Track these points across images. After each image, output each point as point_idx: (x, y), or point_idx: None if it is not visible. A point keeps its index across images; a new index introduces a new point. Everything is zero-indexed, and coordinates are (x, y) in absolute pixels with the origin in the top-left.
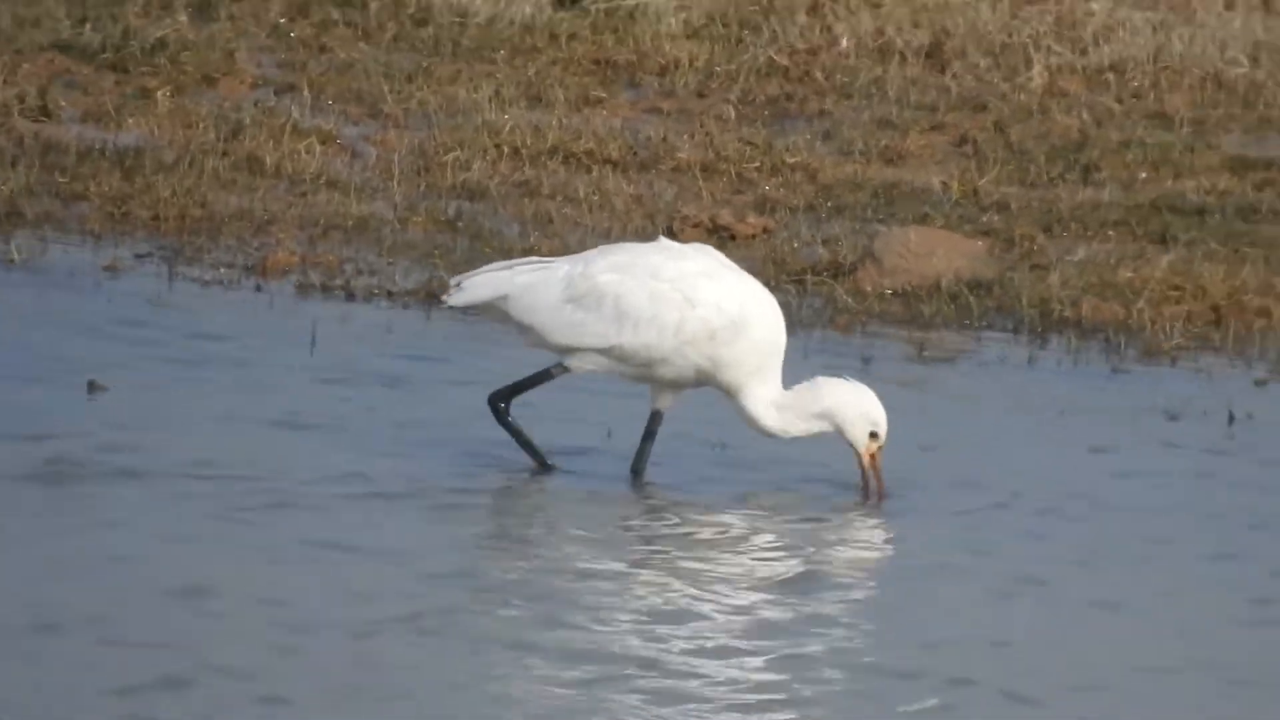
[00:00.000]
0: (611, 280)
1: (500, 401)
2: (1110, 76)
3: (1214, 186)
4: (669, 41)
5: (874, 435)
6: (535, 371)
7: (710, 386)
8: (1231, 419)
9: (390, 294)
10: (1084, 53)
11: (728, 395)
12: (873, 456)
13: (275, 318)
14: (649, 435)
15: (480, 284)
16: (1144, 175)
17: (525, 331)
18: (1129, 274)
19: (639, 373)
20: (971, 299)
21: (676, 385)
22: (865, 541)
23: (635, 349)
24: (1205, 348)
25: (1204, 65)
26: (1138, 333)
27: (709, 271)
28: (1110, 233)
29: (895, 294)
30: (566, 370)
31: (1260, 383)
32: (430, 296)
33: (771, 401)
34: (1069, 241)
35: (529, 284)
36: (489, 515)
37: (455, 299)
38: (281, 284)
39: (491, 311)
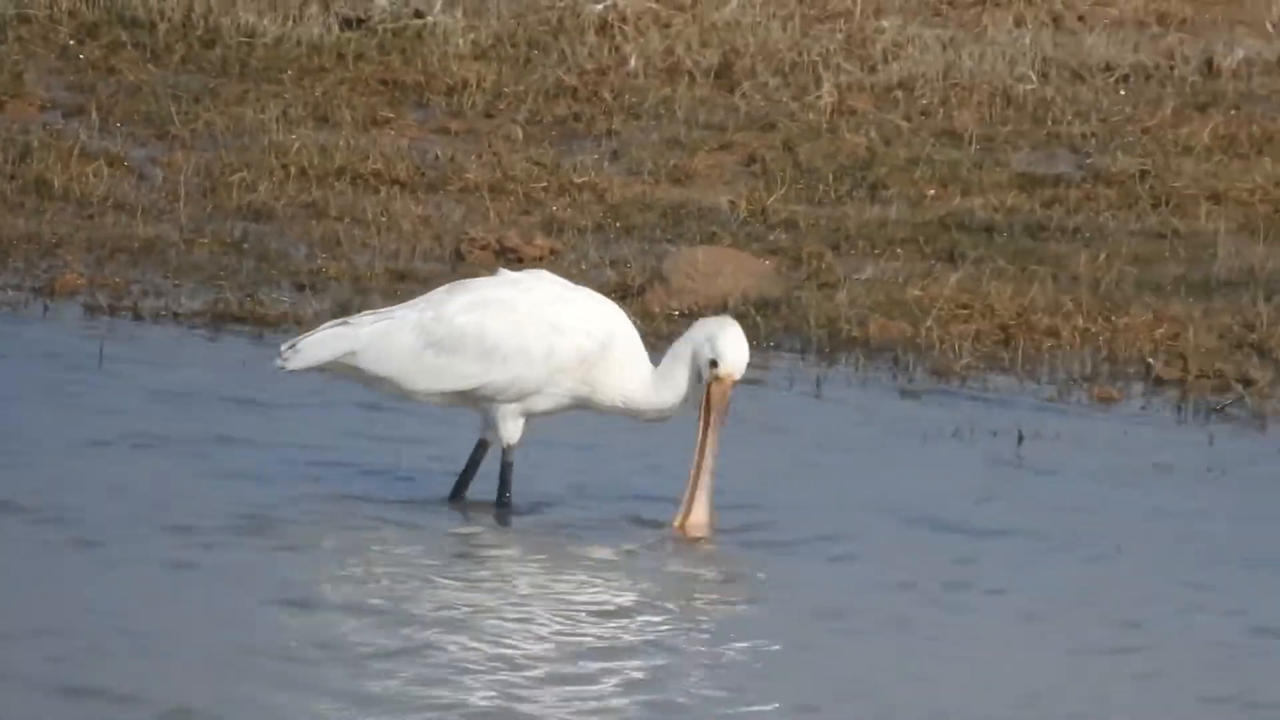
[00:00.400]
0: (472, 319)
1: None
2: (899, 94)
3: (1002, 204)
4: (457, 62)
5: (713, 364)
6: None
7: (594, 410)
8: (1021, 438)
9: (177, 315)
10: (873, 70)
11: (610, 411)
12: (709, 389)
13: (62, 339)
14: (506, 456)
15: (317, 344)
16: (932, 193)
17: (379, 382)
18: (917, 292)
19: (522, 409)
20: (759, 319)
21: (550, 413)
22: (668, 570)
23: (505, 384)
24: (994, 367)
25: (993, 82)
26: (926, 352)
27: (561, 297)
28: (898, 251)
29: (683, 315)
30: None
31: (1049, 400)
32: (217, 318)
33: (648, 383)
34: (857, 260)
35: (376, 335)
36: (306, 537)
37: (293, 363)
38: (69, 305)
39: (336, 369)
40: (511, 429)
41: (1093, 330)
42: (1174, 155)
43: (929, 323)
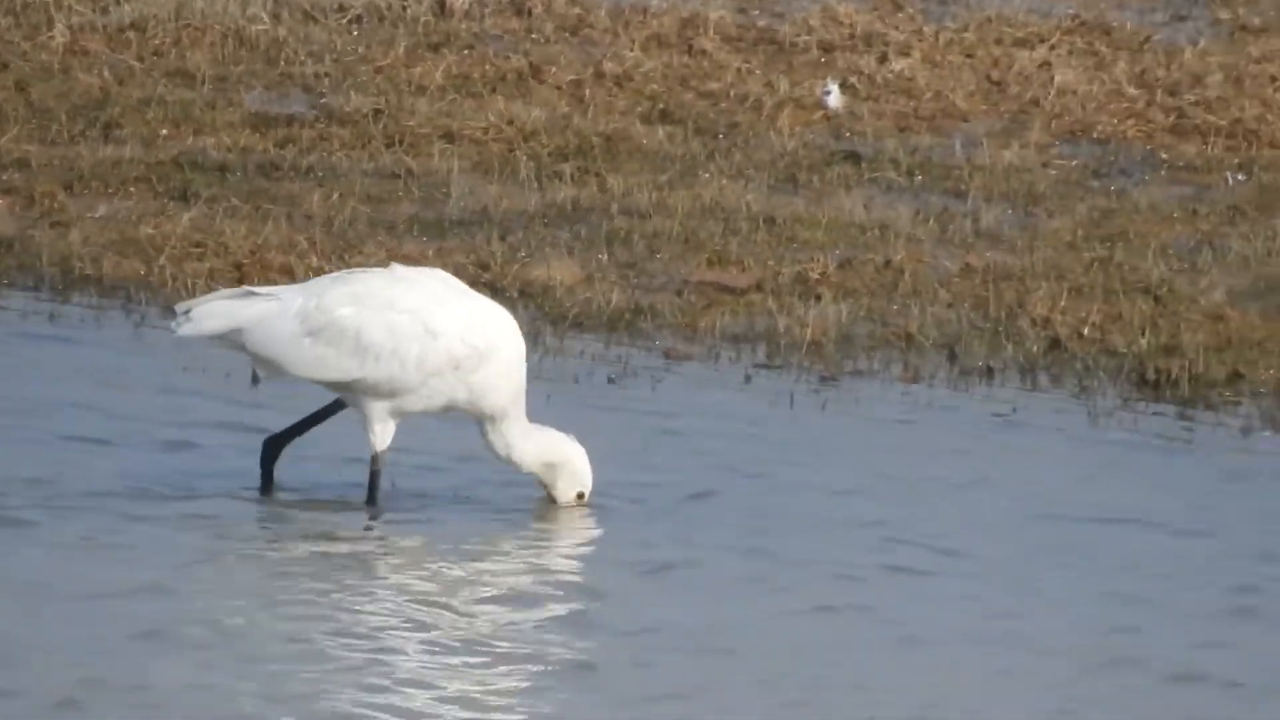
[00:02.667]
0: (349, 314)
1: (273, 446)
2: (132, 35)
3: (235, 143)
4: None
5: (581, 496)
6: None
7: (459, 412)
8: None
9: None
10: (105, 11)
11: (480, 420)
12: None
13: None
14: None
15: (209, 314)
16: (165, 132)
17: (262, 363)
18: (150, 231)
19: (394, 408)
20: None
21: (424, 413)
22: None
23: (378, 381)
24: None
25: (225, 22)
26: (159, 289)
27: (445, 298)
28: (132, 190)
29: None
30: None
31: None
32: None
33: (524, 429)
34: (90, 199)
35: (261, 315)
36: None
37: (185, 329)
38: None
39: (222, 342)
40: (379, 433)
41: (327, 269)
42: (407, 95)
43: (162, 261)
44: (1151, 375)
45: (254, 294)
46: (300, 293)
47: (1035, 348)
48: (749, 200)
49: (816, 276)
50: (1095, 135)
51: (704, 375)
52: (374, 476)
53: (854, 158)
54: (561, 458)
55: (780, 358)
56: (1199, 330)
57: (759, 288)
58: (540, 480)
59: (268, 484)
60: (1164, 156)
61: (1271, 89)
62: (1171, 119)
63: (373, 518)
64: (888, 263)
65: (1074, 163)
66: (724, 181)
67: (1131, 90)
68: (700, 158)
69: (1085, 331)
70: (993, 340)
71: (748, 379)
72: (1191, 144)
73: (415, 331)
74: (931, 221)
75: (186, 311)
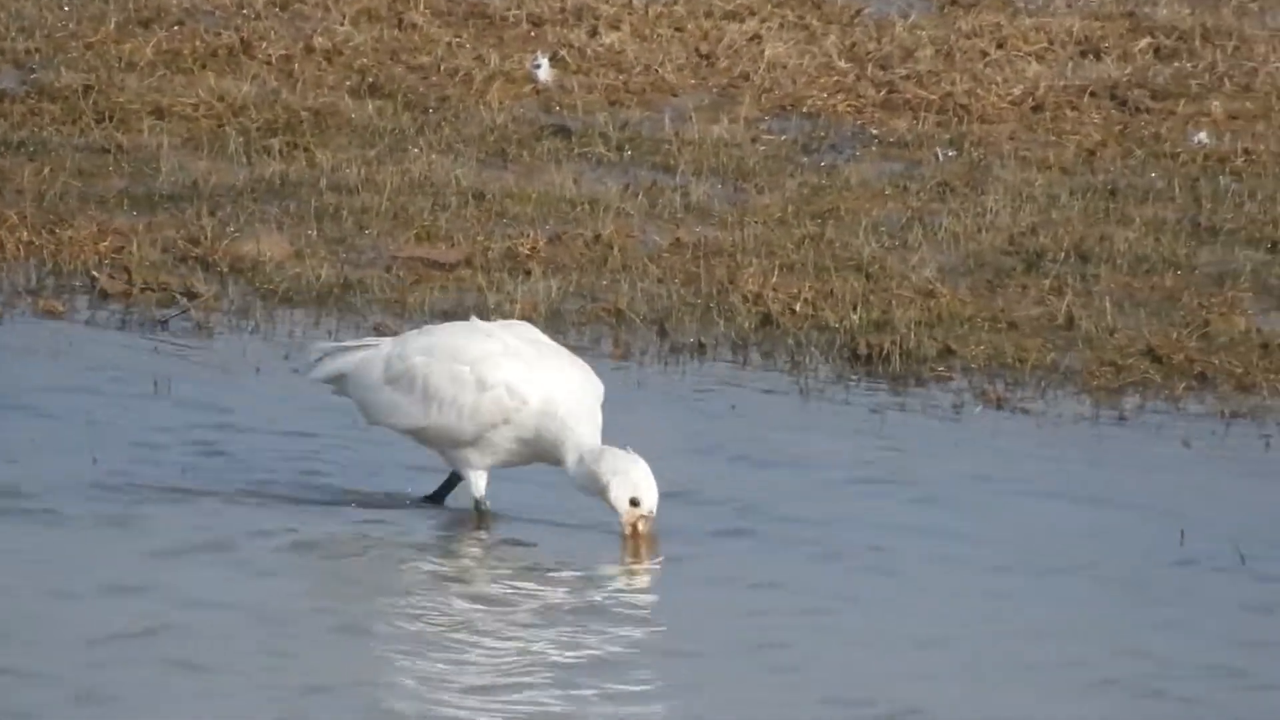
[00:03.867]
0: (421, 362)
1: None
2: None
3: None
4: None
5: (635, 502)
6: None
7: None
8: None
9: None
10: None
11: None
12: (633, 524)
13: None
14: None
15: (329, 360)
16: None
17: (360, 409)
18: None
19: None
20: None
21: (507, 465)
22: None
23: (440, 430)
24: None
25: None
26: None
27: (512, 351)
28: None
29: None
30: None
31: None
32: None
33: (582, 448)
34: None
35: (359, 363)
36: None
37: (314, 372)
38: None
39: (337, 386)
40: (474, 481)
41: (37, 243)
42: (117, 71)
43: None
44: (863, 351)
45: (364, 341)
46: (391, 342)
47: (747, 324)
48: (458, 175)
49: (526, 252)
50: (805, 110)
51: None
52: (479, 517)
53: (563, 132)
54: (606, 468)
55: None
56: (910, 306)
57: (468, 263)
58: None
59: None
60: (874, 132)
61: (982, 64)
62: (882, 94)
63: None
64: (597, 238)
65: (784, 138)
66: (433, 156)
67: (842, 64)
68: (409, 132)
69: (797, 308)
70: (704, 316)
71: None
72: (902, 119)
73: (470, 382)
74: (641, 196)
75: (320, 356)
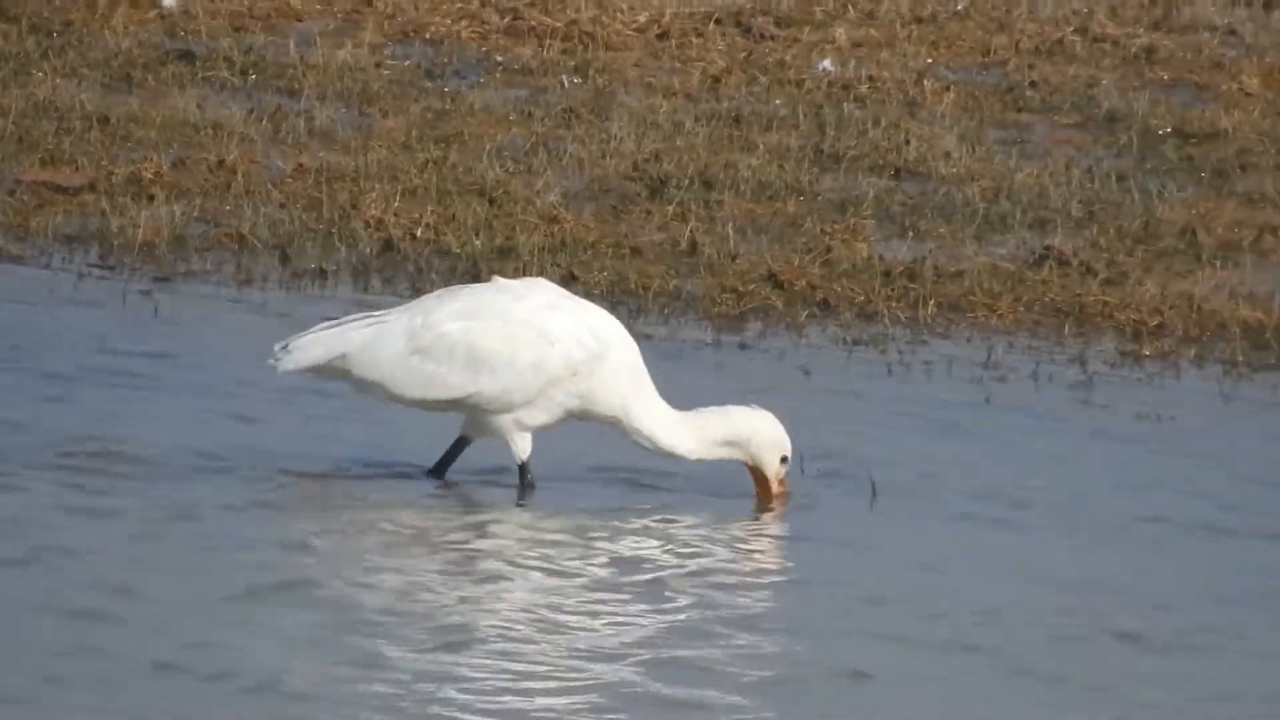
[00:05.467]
0: (460, 328)
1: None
2: None
3: None
4: None
5: (784, 460)
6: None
7: (592, 421)
8: None
9: None
10: None
11: (617, 427)
12: (780, 481)
13: None
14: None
15: (310, 344)
16: None
17: (370, 387)
18: None
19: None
20: None
21: (548, 426)
22: None
23: (495, 394)
24: None
25: None
26: None
27: (556, 305)
28: None
29: None
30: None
31: None
32: None
33: (667, 417)
34: None
35: (367, 340)
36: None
37: (285, 363)
38: None
39: (327, 371)
40: (521, 445)
41: None
42: None
43: None
44: (485, 276)
45: (341, 323)
46: (403, 313)
47: (369, 249)
48: (83, 99)
49: (149, 176)
50: (429, 36)
51: (35, 278)
52: (524, 487)
53: (188, 57)
54: (748, 431)
55: (113, 258)
56: (534, 232)
57: (92, 188)
58: (740, 461)
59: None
60: (499, 59)
61: None
62: (506, 20)
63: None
64: (221, 163)
65: (408, 63)
66: (58, 80)
67: None
68: (34, 56)
69: (419, 233)
70: (326, 241)
71: (80, 279)
72: (527, 46)
73: (529, 339)
74: (265, 121)
75: (285, 346)
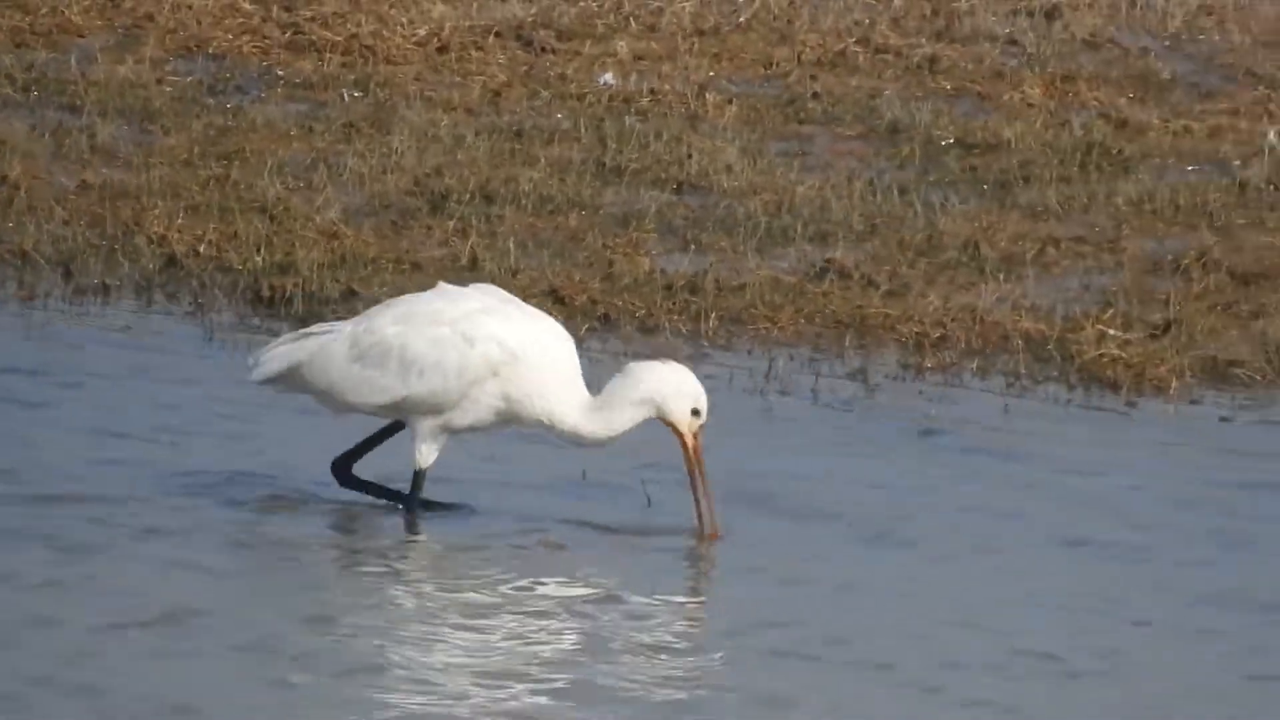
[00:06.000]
0: (394, 332)
1: (341, 467)
2: None
3: None
4: None
5: (695, 412)
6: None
7: (519, 426)
8: None
9: None
10: None
11: (539, 428)
12: (695, 435)
13: None
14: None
15: (274, 357)
16: None
17: (321, 395)
18: None
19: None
20: None
21: (477, 429)
22: None
23: (422, 398)
24: None
25: None
26: None
27: (489, 308)
28: None
29: None
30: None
31: None
32: None
33: (585, 407)
34: None
35: (317, 349)
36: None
37: (255, 374)
38: None
39: (287, 382)
40: (425, 451)
41: None
42: None
43: None
44: (267, 292)
45: (308, 332)
46: (353, 322)
47: (151, 265)
48: None
49: None
50: (211, 51)
51: None
52: (414, 491)
53: None
54: (653, 385)
55: None
56: (314, 248)
57: None
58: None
59: (371, 492)
60: (281, 73)
61: (387, 4)
62: (287, 35)
63: (410, 528)
64: (4, 179)
65: (190, 79)
66: None
67: (247, 6)
68: None
69: (201, 249)
70: (109, 258)
71: None
72: (308, 60)
73: (454, 342)
74: (48, 137)
75: (256, 360)
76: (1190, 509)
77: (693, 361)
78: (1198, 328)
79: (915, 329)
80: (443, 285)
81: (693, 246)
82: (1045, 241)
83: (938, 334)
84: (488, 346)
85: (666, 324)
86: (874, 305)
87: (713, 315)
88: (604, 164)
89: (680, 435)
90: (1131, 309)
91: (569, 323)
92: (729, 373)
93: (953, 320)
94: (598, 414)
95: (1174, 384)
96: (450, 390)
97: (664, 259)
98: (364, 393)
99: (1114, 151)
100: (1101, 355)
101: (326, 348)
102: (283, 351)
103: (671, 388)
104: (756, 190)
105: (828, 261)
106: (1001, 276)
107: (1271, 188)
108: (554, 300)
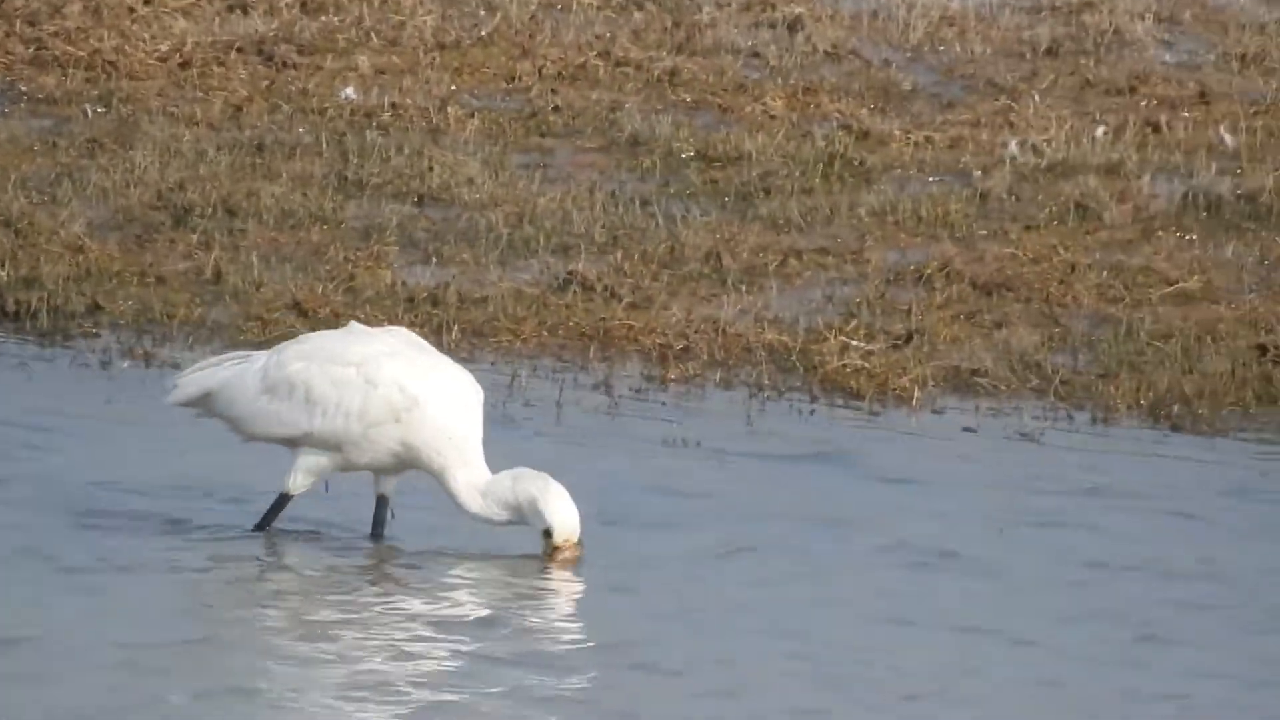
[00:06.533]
0: (300, 369)
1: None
2: None
3: None
4: None
5: (546, 534)
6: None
7: (417, 469)
8: None
9: None
10: None
11: (435, 478)
12: (549, 556)
13: None
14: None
15: (190, 382)
16: None
17: (232, 424)
18: None
19: (341, 461)
20: None
21: (379, 470)
22: None
23: (325, 436)
24: None
25: None
26: None
27: (395, 351)
28: None
29: None
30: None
31: None
32: None
33: (475, 485)
34: None
35: (229, 378)
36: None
37: (172, 396)
38: None
39: (204, 406)
40: (300, 479)
41: None
42: None
43: None
44: (11, 307)
45: (224, 359)
46: (265, 354)
47: None
48: None
49: None
50: None
51: None
52: (271, 512)
53: None
54: (522, 496)
55: None
56: (59, 262)
57: None
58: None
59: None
60: (23, 89)
61: (130, 20)
62: (31, 50)
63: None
64: None
65: None
66: None
67: None
68: None
69: None
70: None
71: None
72: (51, 76)
73: (358, 383)
74: None
75: (175, 383)
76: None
77: None
78: (940, 337)
79: (658, 340)
80: (354, 325)
81: (435, 259)
82: (787, 253)
83: (680, 345)
84: (389, 390)
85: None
86: (617, 317)
87: (455, 327)
88: (346, 177)
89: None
90: (874, 319)
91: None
92: None
93: (695, 332)
94: (479, 495)
95: (917, 394)
96: (351, 431)
97: (406, 271)
98: (270, 424)
99: (856, 163)
100: (844, 366)
101: (237, 378)
102: (197, 378)
103: (536, 507)
104: (498, 203)
105: (570, 273)
106: (744, 288)
107: (1013, 198)
108: (297, 313)
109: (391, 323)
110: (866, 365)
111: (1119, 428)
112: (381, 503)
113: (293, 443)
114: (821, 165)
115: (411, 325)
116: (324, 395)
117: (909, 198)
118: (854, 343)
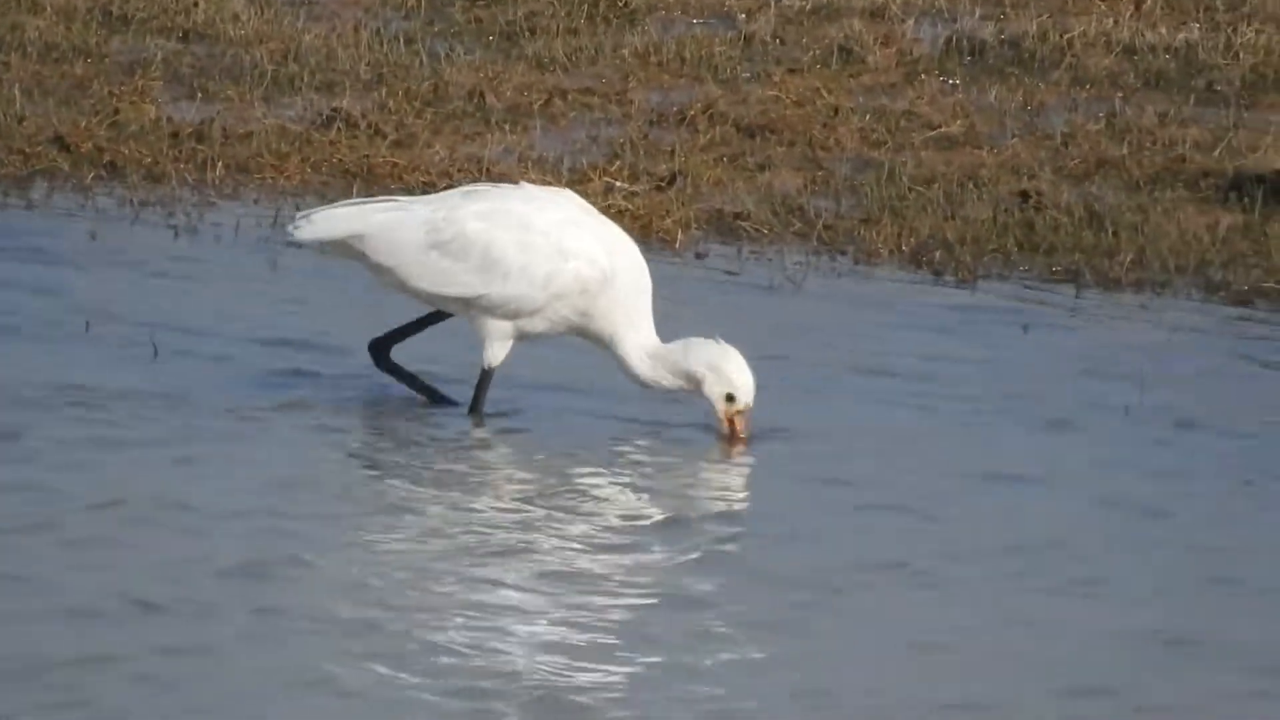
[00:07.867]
0: (480, 229)
1: (380, 349)
2: None
3: None
4: None
5: (730, 398)
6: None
7: (580, 337)
8: None
9: None
10: None
11: (600, 344)
12: (731, 420)
13: None
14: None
15: (330, 219)
16: None
17: (381, 272)
18: None
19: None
20: None
21: (545, 336)
22: None
23: (503, 300)
24: None
25: None
26: None
27: (577, 220)
28: None
29: None
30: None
31: None
32: None
33: (646, 350)
34: None
35: (387, 223)
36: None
37: (302, 233)
38: None
39: (341, 249)
40: (496, 351)
41: None
42: None
43: None
44: None
45: (375, 201)
46: (427, 204)
47: None
48: None
49: None
50: None
51: None
52: (481, 390)
53: None
54: (697, 364)
55: None
56: None
57: None
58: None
59: (404, 380)
60: None
61: None
62: None
63: (477, 427)
64: None
65: None
66: None
67: None
68: None
69: None
70: None
71: None
72: None
73: (547, 252)
74: None
75: (306, 216)
76: None
77: (199, 210)
78: (704, 180)
79: (422, 179)
80: (524, 185)
81: (199, 95)
82: (552, 93)
83: (444, 184)
84: (580, 263)
85: (173, 172)
86: (381, 155)
87: (219, 164)
88: (110, 12)
89: (716, 416)
90: (638, 161)
91: (76, 171)
92: (235, 221)
93: (459, 170)
94: (650, 361)
95: (680, 236)
96: (534, 298)
97: (171, 107)
98: (437, 282)
99: (621, 4)
100: (609, 206)
101: (399, 226)
102: (342, 215)
103: (712, 371)
104: (263, 39)
105: (334, 110)
106: (508, 127)
107: (777, 41)
108: (60, 148)
109: (157, 160)
110: (630, 206)
111: (881, 272)
112: (435, 317)
113: (457, 304)
114: (587, 5)
115: (175, 161)
116: (508, 259)
117: (674, 39)
118: (618, 184)
